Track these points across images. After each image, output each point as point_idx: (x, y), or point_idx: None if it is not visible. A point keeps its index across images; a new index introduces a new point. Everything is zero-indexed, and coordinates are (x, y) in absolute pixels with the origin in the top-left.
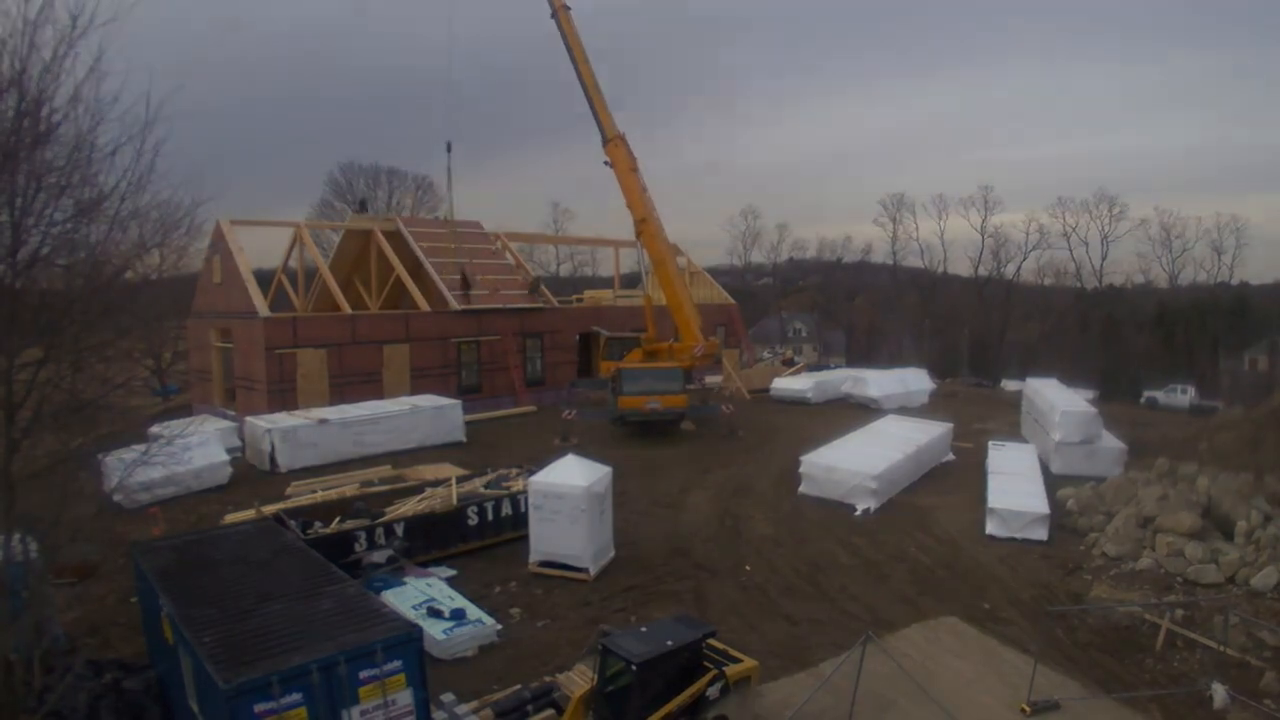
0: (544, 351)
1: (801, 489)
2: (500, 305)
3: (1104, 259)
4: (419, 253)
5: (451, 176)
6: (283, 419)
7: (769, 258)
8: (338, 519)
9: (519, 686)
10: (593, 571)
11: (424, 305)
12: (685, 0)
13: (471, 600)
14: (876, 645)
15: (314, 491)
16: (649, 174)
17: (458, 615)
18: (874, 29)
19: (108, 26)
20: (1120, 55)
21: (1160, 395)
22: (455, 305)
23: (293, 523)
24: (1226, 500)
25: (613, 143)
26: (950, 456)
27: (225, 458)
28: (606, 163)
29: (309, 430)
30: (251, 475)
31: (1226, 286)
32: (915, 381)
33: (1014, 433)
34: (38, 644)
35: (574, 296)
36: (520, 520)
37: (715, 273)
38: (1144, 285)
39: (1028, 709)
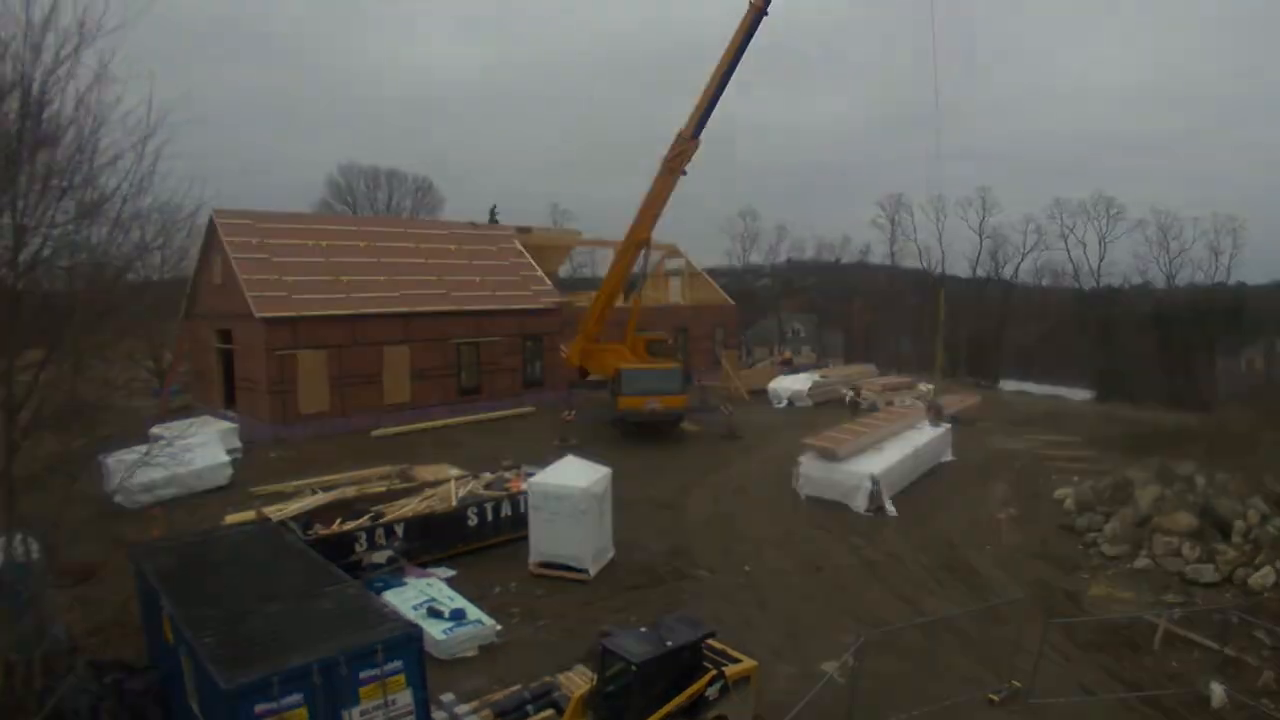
0: (543, 353)
1: (801, 489)
2: (500, 306)
3: (1101, 260)
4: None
5: None
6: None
7: (767, 258)
8: (339, 519)
9: (519, 687)
10: (592, 572)
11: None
12: None
13: (471, 601)
14: (875, 644)
15: (313, 492)
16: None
17: (458, 615)
18: None
19: (115, 33)
20: None
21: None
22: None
23: (293, 524)
24: (1224, 500)
25: (694, 142)
26: (949, 457)
27: (226, 459)
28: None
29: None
30: (251, 476)
31: (1224, 287)
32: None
33: (1007, 430)
34: (38, 645)
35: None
36: (520, 521)
37: (714, 273)
38: (1141, 286)
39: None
